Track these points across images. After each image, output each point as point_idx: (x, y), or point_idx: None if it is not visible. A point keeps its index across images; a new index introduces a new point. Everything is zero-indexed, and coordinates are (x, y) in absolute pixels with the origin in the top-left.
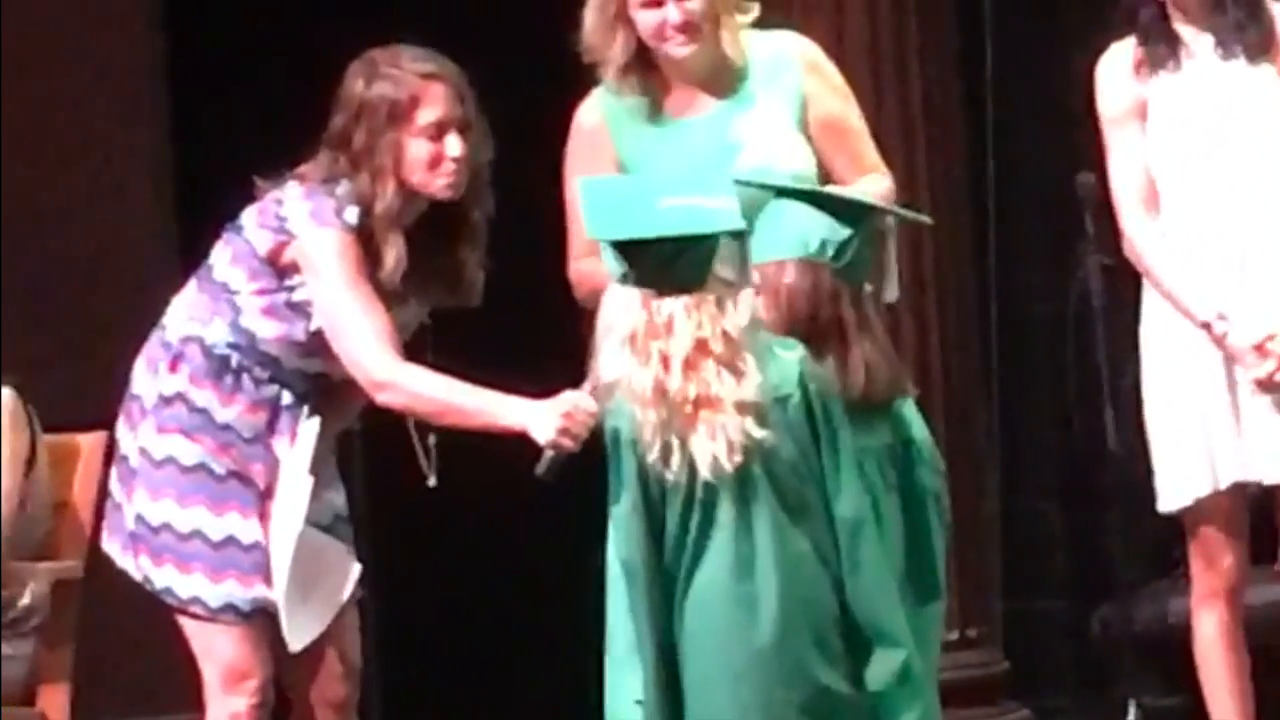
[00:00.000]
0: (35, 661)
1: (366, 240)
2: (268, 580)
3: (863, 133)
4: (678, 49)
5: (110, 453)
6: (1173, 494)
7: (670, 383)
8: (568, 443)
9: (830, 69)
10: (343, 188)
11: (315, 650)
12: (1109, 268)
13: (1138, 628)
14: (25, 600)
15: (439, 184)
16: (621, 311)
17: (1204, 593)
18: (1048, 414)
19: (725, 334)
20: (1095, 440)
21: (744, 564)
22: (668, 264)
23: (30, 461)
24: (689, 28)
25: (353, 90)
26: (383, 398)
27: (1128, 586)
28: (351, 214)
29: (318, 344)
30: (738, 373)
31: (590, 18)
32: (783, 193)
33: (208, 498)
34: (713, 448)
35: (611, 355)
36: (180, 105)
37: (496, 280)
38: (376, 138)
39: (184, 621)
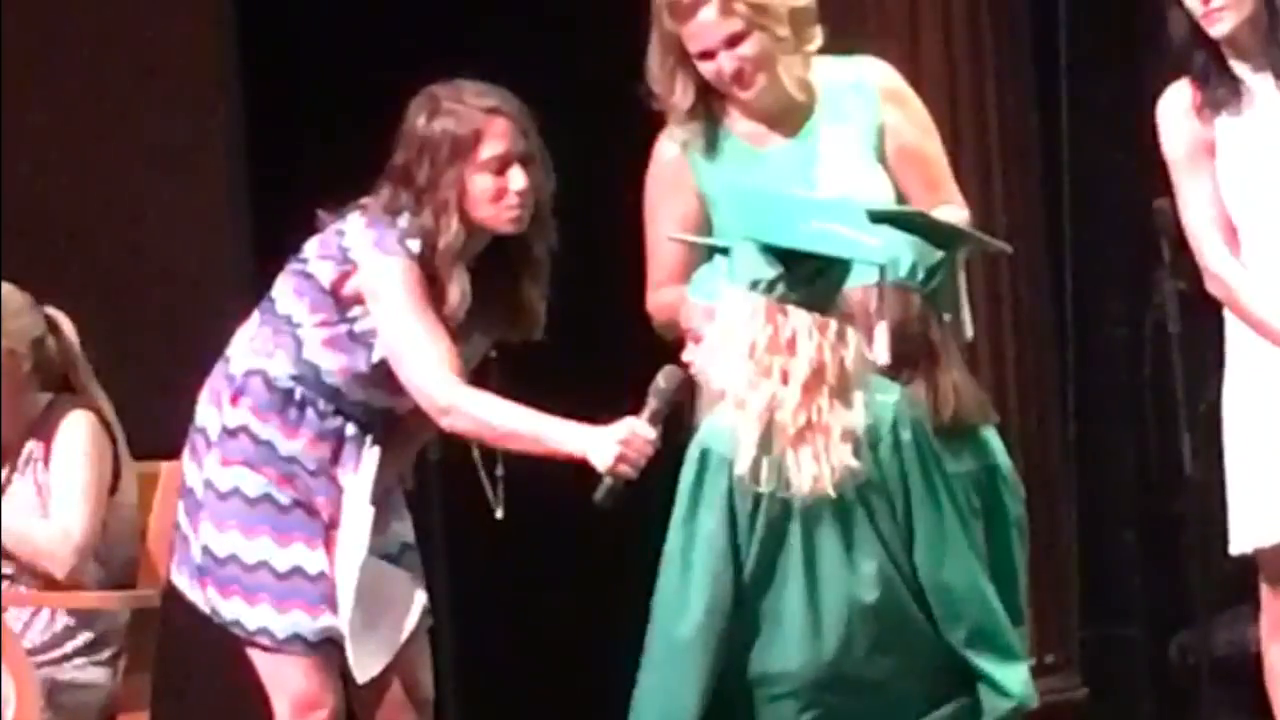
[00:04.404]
0: (113, 691)
1: (429, 273)
2: (334, 610)
3: (941, 163)
4: (740, 93)
5: None
6: (1248, 536)
7: (786, 400)
8: (626, 470)
9: (911, 98)
10: (405, 220)
11: (383, 680)
12: (1185, 294)
13: (1217, 654)
14: (101, 626)
15: (504, 218)
16: (742, 322)
17: (1274, 623)
18: (1125, 440)
19: (841, 364)
20: (1172, 466)
21: (844, 594)
22: (808, 280)
23: (114, 486)
24: (742, 76)
25: (414, 125)
26: (446, 422)
27: (1207, 612)
28: (414, 244)
29: (381, 375)
30: (848, 404)
31: (652, 66)
32: (877, 216)
33: (273, 529)
34: (814, 469)
35: (726, 364)
36: (259, 138)
37: (556, 310)
38: (440, 173)
39: (253, 653)
